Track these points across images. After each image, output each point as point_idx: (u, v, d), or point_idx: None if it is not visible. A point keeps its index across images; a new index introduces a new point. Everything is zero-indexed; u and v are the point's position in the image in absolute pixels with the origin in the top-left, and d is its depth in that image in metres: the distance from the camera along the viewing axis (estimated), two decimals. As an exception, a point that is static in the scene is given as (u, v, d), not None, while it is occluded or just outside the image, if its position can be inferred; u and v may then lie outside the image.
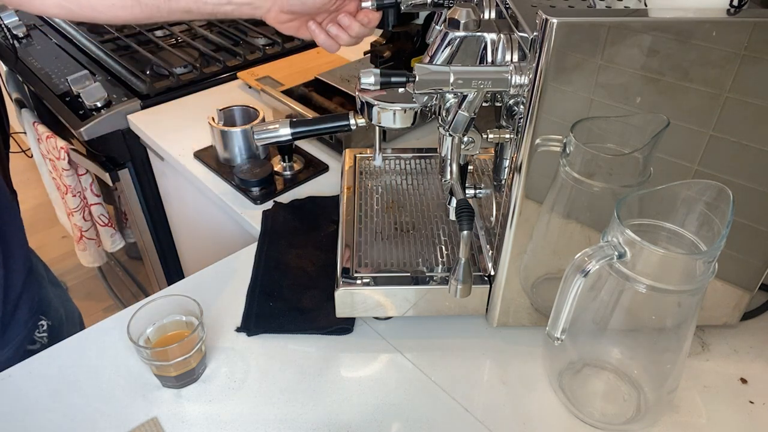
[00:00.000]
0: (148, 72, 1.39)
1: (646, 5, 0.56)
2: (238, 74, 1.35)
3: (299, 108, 1.10)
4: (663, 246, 0.56)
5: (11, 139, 1.57)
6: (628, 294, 0.58)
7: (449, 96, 0.66)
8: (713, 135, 0.57)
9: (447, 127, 0.64)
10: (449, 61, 0.64)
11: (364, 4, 0.80)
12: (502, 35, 0.62)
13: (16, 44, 1.53)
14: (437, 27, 0.81)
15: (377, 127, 0.78)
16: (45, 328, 0.83)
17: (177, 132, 1.18)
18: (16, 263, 0.78)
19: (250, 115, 1.09)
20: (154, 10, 0.71)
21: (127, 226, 1.54)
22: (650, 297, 0.56)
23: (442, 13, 0.79)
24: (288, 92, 1.17)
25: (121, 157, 1.31)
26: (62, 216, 1.63)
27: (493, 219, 0.73)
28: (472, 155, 0.73)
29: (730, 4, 0.53)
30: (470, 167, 0.90)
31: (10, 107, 1.65)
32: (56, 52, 1.50)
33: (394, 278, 0.73)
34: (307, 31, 0.79)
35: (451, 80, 0.57)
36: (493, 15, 0.69)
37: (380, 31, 1.05)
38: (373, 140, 0.86)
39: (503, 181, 0.67)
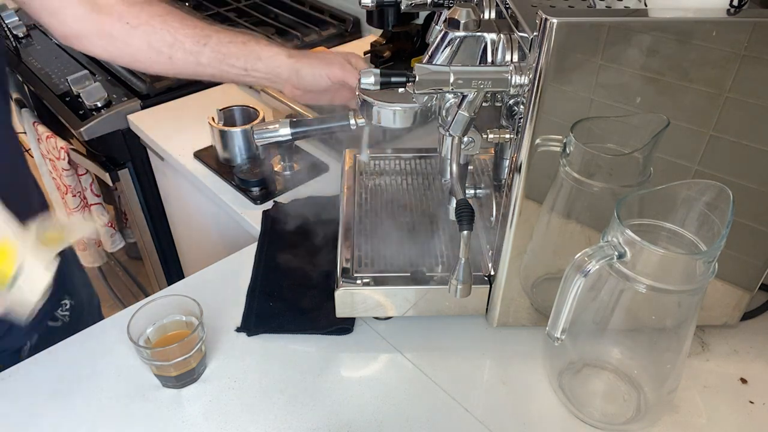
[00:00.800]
0: (148, 72, 1.38)
1: (646, 5, 0.56)
2: (238, 74, 1.34)
3: (299, 108, 1.10)
4: (663, 246, 0.55)
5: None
6: (628, 294, 0.58)
7: (449, 96, 0.66)
8: (713, 135, 0.57)
9: (447, 127, 0.64)
10: (449, 61, 0.64)
11: (363, 3, 0.80)
12: (502, 35, 0.62)
13: (17, 44, 1.53)
14: (437, 27, 0.81)
15: (366, 128, 0.78)
16: (68, 307, 0.86)
17: (177, 132, 1.18)
18: None
19: (250, 115, 1.09)
20: (184, 68, 0.79)
21: (127, 226, 1.54)
22: (650, 297, 0.56)
23: (442, 13, 0.79)
24: (288, 92, 1.17)
25: (121, 157, 1.31)
26: (62, 216, 1.63)
27: (493, 219, 0.73)
28: (472, 155, 0.73)
29: (730, 4, 0.53)
30: (470, 167, 0.90)
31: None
32: (56, 52, 1.50)
33: (394, 278, 0.73)
34: (324, 98, 0.85)
35: (451, 80, 0.57)
36: (493, 15, 0.69)
37: (380, 31, 1.05)
38: (368, 140, 0.85)
39: (503, 181, 0.67)
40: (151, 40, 0.76)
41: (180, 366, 0.67)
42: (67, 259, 0.87)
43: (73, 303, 0.88)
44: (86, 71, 1.31)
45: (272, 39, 0.84)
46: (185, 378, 0.69)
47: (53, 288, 0.75)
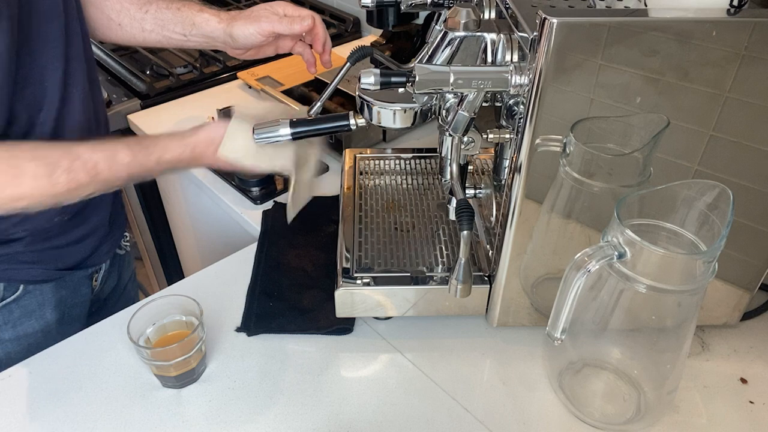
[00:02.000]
0: (148, 72, 1.38)
1: (646, 5, 0.56)
2: (238, 74, 1.35)
3: (299, 108, 1.10)
4: (663, 246, 0.55)
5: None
6: (628, 294, 0.58)
7: (449, 96, 0.66)
8: (713, 135, 0.57)
9: (447, 127, 0.64)
10: (449, 61, 0.64)
11: (363, 3, 0.81)
12: (502, 35, 0.62)
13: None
14: (437, 27, 0.81)
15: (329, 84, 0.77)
16: (128, 239, 0.99)
17: (177, 132, 1.18)
18: None
19: (250, 115, 1.09)
20: (132, 35, 0.85)
21: (127, 227, 1.54)
22: (650, 297, 0.56)
23: (442, 13, 0.79)
24: (288, 92, 1.17)
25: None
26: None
27: (493, 219, 0.73)
28: (472, 155, 0.73)
29: (730, 4, 0.53)
30: (470, 167, 0.90)
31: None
32: (56, 52, 1.50)
33: (394, 278, 0.73)
34: (268, 51, 0.89)
35: (451, 80, 0.57)
36: (493, 15, 0.69)
37: (380, 31, 1.05)
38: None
39: (503, 181, 0.67)
40: (103, 7, 0.81)
41: (180, 366, 0.67)
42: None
43: (130, 236, 0.98)
44: (86, 71, 1.31)
45: (206, 3, 0.86)
46: (185, 378, 0.69)
47: (121, 219, 0.94)
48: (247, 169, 0.74)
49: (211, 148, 0.71)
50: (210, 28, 0.82)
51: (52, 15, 0.68)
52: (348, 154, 0.97)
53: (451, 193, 0.68)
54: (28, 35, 0.65)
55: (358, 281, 0.72)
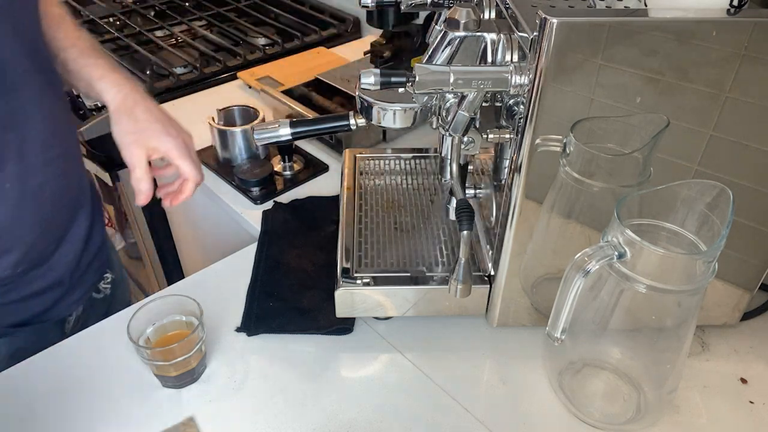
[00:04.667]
0: (148, 72, 1.39)
1: (646, 5, 0.56)
2: (238, 74, 1.35)
3: (299, 108, 1.10)
4: (663, 246, 0.55)
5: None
6: (628, 294, 0.58)
7: (449, 96, 0.66)
8: (713, 135, 0.57)
9: (447, 127, 0.64)
10: (449, 61, 0.64)
11: (363, 3, 0.81)
12: (502, 35, 0.62)
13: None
14: (437, 27, 0.81)
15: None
16: (109, 280, 0.90)
17: (177, 132, 1.18)
18: (100, 216, 0.86)
19: (250, 115, 1.09)
20: (64, 71, 0.76)
21: (127, 226, 1.54)
22: (650, 297, 0.56)
23: (442, 13, 0.79)
24: (288, 92, 1.17)
25: (122, 158, 1.31)
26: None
27: (493, 219, 0.73)
28: (472, 155, 0.73)
29: (730, 4, 0.53)
30: (470, 167, 0.90)
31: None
32: (56, 52, 1.50)
33: (394, 278, 0.73)
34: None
35: (451, 80, 0.57)
36: (493, 15, 0.69)
37: (380, 31, 1.05)
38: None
39: (503, 181, 0.67)
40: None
41: (180, 366, 0.67)
42: (108, 235, 0.91)
43: (113, 277, 0.91)
44: (86, 71, 1.31)
45: (114, 65, 0.77)
46: (185, 378, 0.69)
47: (100, 263, 0.85)
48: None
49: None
50: (106, 100, 0.75)
51: None
52: (348, 154, 0.97)
53: (451, 193, 0.68)
54: None
55: (358, 281, 0.72)
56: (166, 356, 0.66)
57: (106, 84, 0.74)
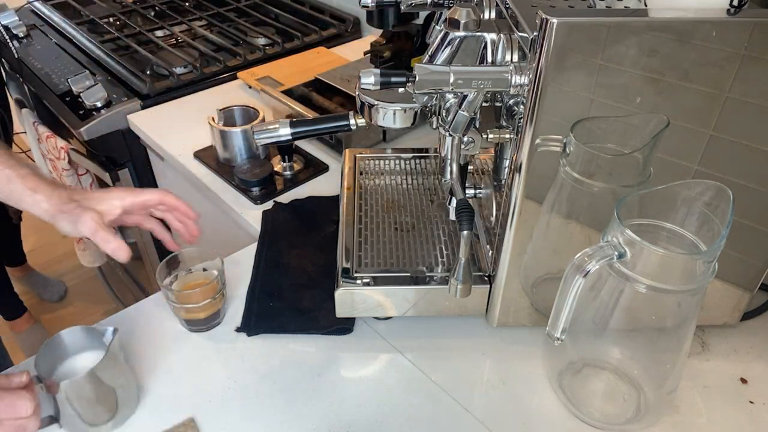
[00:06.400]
0: (148, 72, 1.39)
1: (646, 5, 0.56)
2: (238, 74, 1.35)
3: (299, 108, 1.10)
4: (663, 246, 0.56)
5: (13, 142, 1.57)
6: (628, 294, 0.58)
7: (449, 96, 0.66)
8: (713, 135, 0.57)
9: (447, 127, 0.64)
10: (449, 61, 0.64)
11: (363, 3, 0.80)
12: (502, 35, 0.62)
13: (16, 44, 1.53)
14: (437, 27, 0.81)
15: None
16: None
17: (177, 132, 1.18)
18: None
19: (250, 115, 1.09)
20: None
21: (127, 227, 1.54)
22: (650, 297, 0.56)
23: (442, 13, 0.79)
24: (288, 92, 1.17)
25: (121, 157, 1.31)
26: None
27: (493, 219, 0.73)
28: (472, 155, 0.73)
29: (730, 4, 0.53)
30: (470, 167, 0.90)
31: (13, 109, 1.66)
32: (56, 52, 1.50)
33: (394, 278, 0.73)
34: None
35: (451, 80, 0.57)
36: (493, 15, 0.69)
37: (380, 31, 1.05)
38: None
39: (503, 181, 0.67)
40: None
41: (208, 307, 0.73)
42: None
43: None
44: (86, 71, 1.31)
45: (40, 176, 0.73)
46: (212, 320, 0.75)
47: None
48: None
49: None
50: (38, 212, 0.72)
51: None
52: (348, 154, 0.97)
53: (451, 193, 0.68)
54: None
55: (358, 281, 0.72)
56: (194, 299, 0.72)
57: (41, 196, 0.72)
